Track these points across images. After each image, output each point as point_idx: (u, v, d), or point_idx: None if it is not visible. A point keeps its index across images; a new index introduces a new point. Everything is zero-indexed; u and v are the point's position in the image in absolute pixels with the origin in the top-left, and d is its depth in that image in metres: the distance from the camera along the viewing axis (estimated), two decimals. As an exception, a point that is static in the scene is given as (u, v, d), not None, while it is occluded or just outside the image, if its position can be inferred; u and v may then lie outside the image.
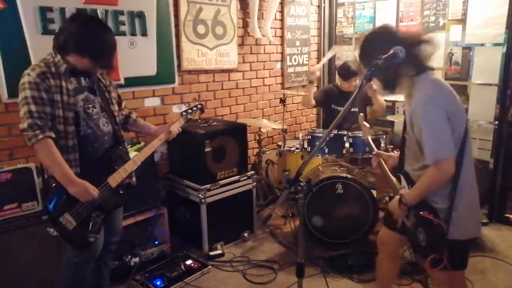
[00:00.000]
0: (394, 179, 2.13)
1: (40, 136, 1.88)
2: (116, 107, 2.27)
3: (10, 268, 2.42)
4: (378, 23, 4.57)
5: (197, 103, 2.67)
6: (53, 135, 1.93)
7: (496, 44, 3.67)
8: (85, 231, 2.04)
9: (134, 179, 2.32)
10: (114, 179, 2.12)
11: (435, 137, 1.72)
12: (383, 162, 2.21)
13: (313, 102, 3.87)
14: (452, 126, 1.74)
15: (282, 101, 3.94)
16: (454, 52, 3.98)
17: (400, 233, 2.07)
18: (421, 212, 1.81)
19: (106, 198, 2.09)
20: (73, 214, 1.99)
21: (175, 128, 2.45)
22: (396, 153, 2.19)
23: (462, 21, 3.88)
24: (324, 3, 4.90)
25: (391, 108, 4.49)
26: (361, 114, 2.61)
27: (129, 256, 2.96)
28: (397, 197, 1.94)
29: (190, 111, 2.60)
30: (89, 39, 1.96)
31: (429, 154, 1.73)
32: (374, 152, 2.30)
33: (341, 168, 3.45)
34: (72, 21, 1.99)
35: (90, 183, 2.01)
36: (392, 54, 1.71)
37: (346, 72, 3.73)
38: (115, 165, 2.16)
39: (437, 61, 3.99)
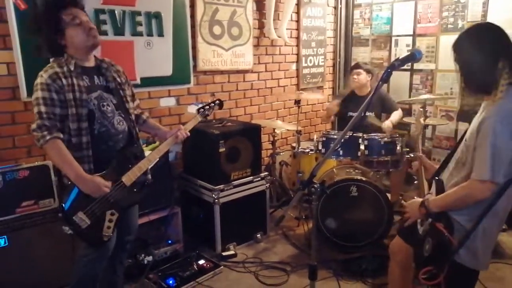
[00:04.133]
0: (426, 183, 2.08)
1: (48, 137, 1.91)
2: (131, 105, 2.27)
3: (25, 264, 2.46)
4: (395, 25, 4.53)
5: (215, 99, 2.59)
6: (61, 135, 1.95)
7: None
8: (99, 229, 2.05)
9: (149, 176, 2.31)
10: (129, 178, 2.12)
11: (493, 156, 1.60)
12: (422, 168, 2.17)
13: (336, 109, 4.01)
14: None
15: (297, 102, 3.92)
16: (474, 54, 3.90)
17: (411, 244, 2.01)
18: (436, 223, 1.74)
19: (120, 196, 2.10)
20: (87, 212, 2.00)
21: (187, 129, 2.38)
22: (436, 165, 2.10)
23: (482, 22, 3.81)
24: (340, 4, 4.88)
25: (408, 110, 4.42)
26: (421, 109, 2.51)
27: (143, 255, 2.98)
28: (419, 199, 1.89)
29: (208, 107, 2.52)
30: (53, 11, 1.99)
31: (479, 169, 1.63)
32: (417, 155, 2.25)
33: (356, 171, 3.42)
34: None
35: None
36: (410, 55, 1.69)
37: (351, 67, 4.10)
38: (129, 164, 2.16)
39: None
